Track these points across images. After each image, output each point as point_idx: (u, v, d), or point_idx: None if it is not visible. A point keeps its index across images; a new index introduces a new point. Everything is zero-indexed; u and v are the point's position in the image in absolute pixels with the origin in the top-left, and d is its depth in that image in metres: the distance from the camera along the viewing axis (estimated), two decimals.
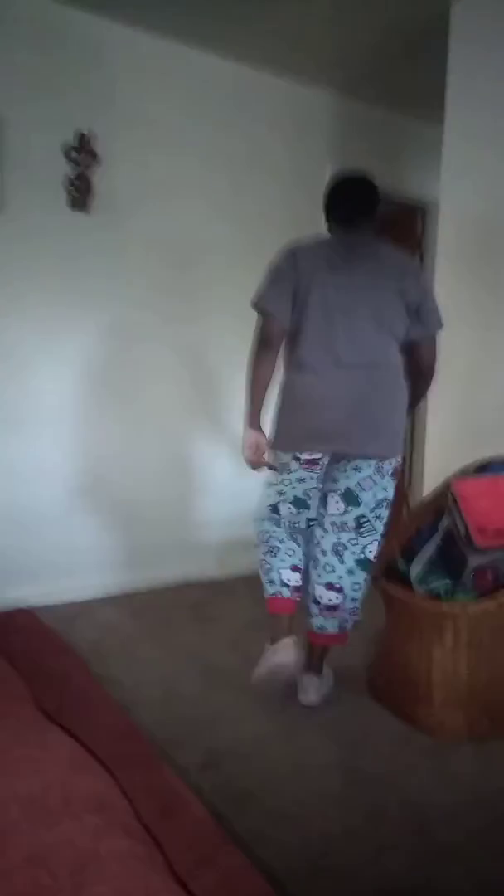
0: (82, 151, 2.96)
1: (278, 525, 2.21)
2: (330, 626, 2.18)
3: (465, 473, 2.39)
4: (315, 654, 2.22)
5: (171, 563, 3.39)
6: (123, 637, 2.71)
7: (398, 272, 2.05)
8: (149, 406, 3.28)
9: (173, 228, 3.24)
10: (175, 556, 3.40)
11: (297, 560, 2.21)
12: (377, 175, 3.73)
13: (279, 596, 2.17)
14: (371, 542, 2.15)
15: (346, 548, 2.12)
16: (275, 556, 2.20)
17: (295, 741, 1.99)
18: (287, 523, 2.21)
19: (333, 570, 2.13)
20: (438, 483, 2.46)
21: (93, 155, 2.98)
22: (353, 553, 2.13)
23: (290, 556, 2.20)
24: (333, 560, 2.13)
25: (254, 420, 2.13)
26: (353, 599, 2.17)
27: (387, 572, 2.23)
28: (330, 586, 2.13)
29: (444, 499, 2.29)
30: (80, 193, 2.97)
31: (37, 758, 0.63)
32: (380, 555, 2.27)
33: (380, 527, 2.15)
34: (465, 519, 2.12)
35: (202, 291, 3.36)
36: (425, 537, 2.28)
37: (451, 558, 2.16)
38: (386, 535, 2.21)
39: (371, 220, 2.11)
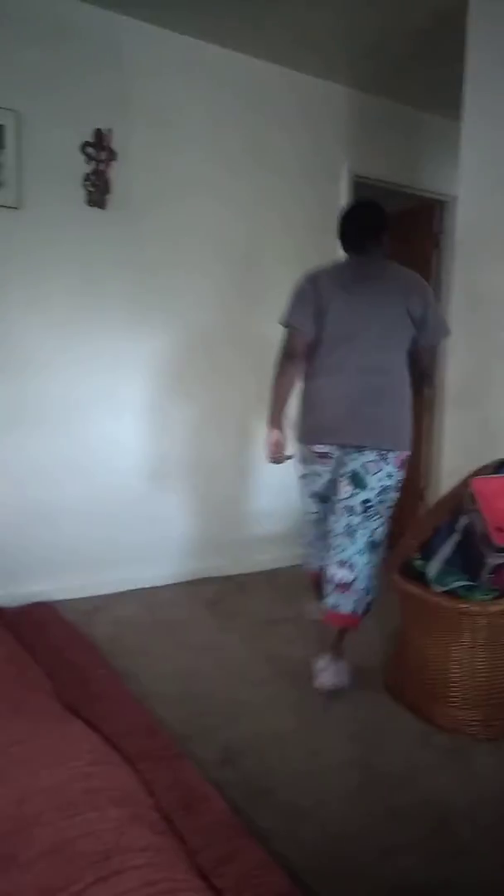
0: (100, 148, 2.97)
1: (314, 526, 2.53)
2: (343, 604, 2.29)
3: (483, 472, 2.38)
4: (332, 639, 2.34)
5: (187, 559, 3.40)
6: (141, 632, 2.73)
7: (404, 290, 2.30)
8: (162, 406, 3.29)
9: (189, 225, 3.24)
10: (192, 552, 3.42)
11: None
12: (394, 170, 3.78)
13: (314, 570, 2.60)
14: (378, 527, 2.33)
15: (356, 530, 2.29)
16: (310, 547, 2.60)
17: (312, 738, 1.99)
18: (314, 523, 2.52)
19: (345, 550, 2.29)
20: (456, 481, 2.44)
21: (110, 152, 2.99)
22: (364, 535, 2.29)
23: (320, 550, 2.51)
24: (345, 541, 2.30)
25: (275, 421, 2.40)
26: (366, 578, 2.31)
27: (404, 570, 2.22)
28: (342, 564, 2.29)
29: (462, 497, 2.28)
30: (97, 190, 2.98)
31: (59, 750, 0.64)
32: (396, 551, 2.28)
33: (384, 511, 2.34)
34: (483, 518, 2.11)
35: (217, 287, 3.36)
36: (443, 536, 2.26)
37: (469, 557, 2.14)
38: (392, 519, 2.39)
39: (378, 243, 2.36)
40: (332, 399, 2.32)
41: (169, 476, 3.33)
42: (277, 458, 2.42)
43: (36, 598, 2.78)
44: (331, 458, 2.35)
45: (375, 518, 2.29)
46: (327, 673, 2.26)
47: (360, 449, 2.28)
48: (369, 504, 2.28)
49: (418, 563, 2.23)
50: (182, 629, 2.79)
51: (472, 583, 2.08)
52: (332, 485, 2.37)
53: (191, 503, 3.41)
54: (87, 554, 3.12)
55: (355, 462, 2.28)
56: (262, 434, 3.44)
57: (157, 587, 3.25)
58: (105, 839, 0.53)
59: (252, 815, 1.57)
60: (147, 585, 3.24)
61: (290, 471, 3.61)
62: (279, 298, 3.48)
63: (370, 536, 2.29)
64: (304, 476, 2.49)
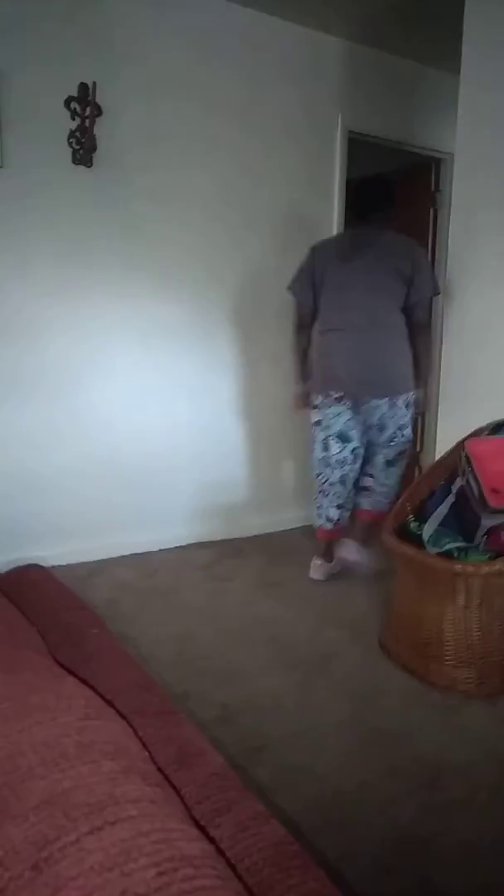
0: (85, 103, 2.86)
1: (332, 469, 2.82)
2: (365, 503, 2.92)
3: (479, 434, 2.37)
4: (359, 528, 2.96)
5: (182, 524, 3.40)
6: (136, 596, 2.74)
7: (395, 254, 2.65)
8: (156, 370, 3.25)
9: (180, 182, 3.15)
10: (187, 517, 3.42)
11: (342, 500, 2.86)
12: (390, 126, 3.69)
13: (324, 528, 2.91)
14: (401, 451, 2.85)
15: (378, 454, 2.85)
16: (325, 496, 2.86)
17: (308, 697, 2.02)
18: (336, 463, 2.80)
19: (371, 465, 2.88)
20: (451, 444, 2.43)
21: (96, 107, 2.88)
22: (385, 455, 2.84)
23: (336, 497, 2.85)
24: (372, 462, 2.88)
25: (300, 375, 2.95)
26: (383, 485, 2.88)
27: (399, 532, 2.22)
28: (367, 474, 2.90)
29: (458, 459, 2.27)
30: (83, 148, 2.88)
31: (52, 706, 0.63)
32: (392, 513, 2.28)
33: (404, 439, 2.82)
34: (478, 479, 2.10)
35: (209, 246, 3.29)
36: (438, 498, 2.27)
37: (464, 519, 2.15)
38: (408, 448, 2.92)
39: (381, 214, 2.70)
40: (339, 352, 2.70)
41: (164, 441, 3.31)
42: (303, 406, 2.95)
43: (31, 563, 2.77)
44: (345, 399, 2.73)
45: (396, 445, 2.81)
46: (351, 548, 2.88)
47: (370, 402, 2.70)
48: (392, 441, 2.79)
49: (413, 525, 2.24)
50: (177, 593, 2.80)
51: (466, 544, 2.09)
52: (353, 423, 2.75)
53: (185, 468, 3.39)
54: (82, 519, 3.12)
55: (372, 417, 2.74)
56: (254, 398, 3.46)
57: (151, 552, 3.25)
58: (98, 791, 0.52)
59: (249, 771, 1.59)
60: (142, 550, 3.24)
61: (284, 437, 3.61)
62: (272, 255, 3.45)
63: (394, 460, 2.85)
64: (321, 421, 2.80)
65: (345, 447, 2.76)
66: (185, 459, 3.39)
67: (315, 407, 2.81)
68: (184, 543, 3.37)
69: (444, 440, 2.72)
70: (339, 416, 2.74)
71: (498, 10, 2.52)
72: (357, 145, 3.63)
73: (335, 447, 2.77)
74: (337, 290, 2.68)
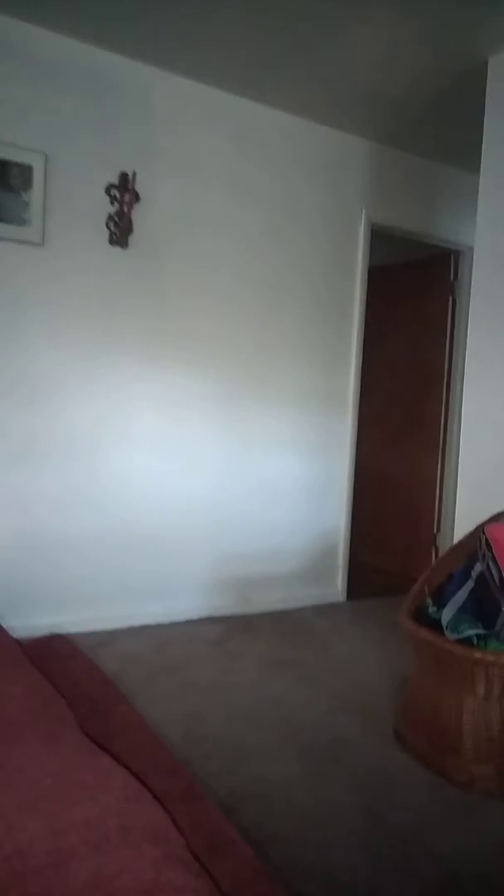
0: (124, 190, 3.05)
1: None
2: None
3: (499, 518, 2.37)
4: None
5: (194, 597, 3.36)
6: (146, 669, 2.69)
7: None
8: (177, 442, 3.30)
9: (209, 268, 3.31)
10: (199, 590, 3.38)
11: None
12: (411, 219, 3.88)
13: None
14: None
15: None
16: None
17: (319, 788, 1.94)
18: None
19: None
20: (470, 526, 2.43)
21: (134, 194, 3.07)
22: None
23: None
24: None
25: None
26: None
27: (417, 616, 2.19)
28: None
29: (477, 543, 2.26)
30: (120, 231, 3.06)
31: (91, 784, 0.62)
32: (409, 596, 2.26)
33: None
34: (499, 565, 2.09)
35: (236, 326, 3.41)
36: (457, 583, 2.24)
37: (483, 605, 2.12)
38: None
39: None
40: None
41: (181, 512, 3.32)
42: None
43: (43, 631, 2.74)
44: None
45: None
46: None
47: None
48: None
49: (432, 609, 2.21)
50: (187, 669, 2.74)
51: (486, 631, 2.05)
52: None
53: (201, 540, 3.39)
54: (94, 588, 3.10)
55: None
56: (276, 475, 3.44)
57: (162, 624, 3.21)
58: (143, 877, 0.51)
59: None
60: (153, 622, 3.20)
61: (302, 516, 3.61)
62: (296, 341, 3.57)
63: None
64: None
65: None
66: (201, 532, 3.39)
67: None
68: (195, 617, 3.32)
69: (463, 523, 2.71)
70: None
71: None
72: (379, 236, 3.82)
73: None
74: None
